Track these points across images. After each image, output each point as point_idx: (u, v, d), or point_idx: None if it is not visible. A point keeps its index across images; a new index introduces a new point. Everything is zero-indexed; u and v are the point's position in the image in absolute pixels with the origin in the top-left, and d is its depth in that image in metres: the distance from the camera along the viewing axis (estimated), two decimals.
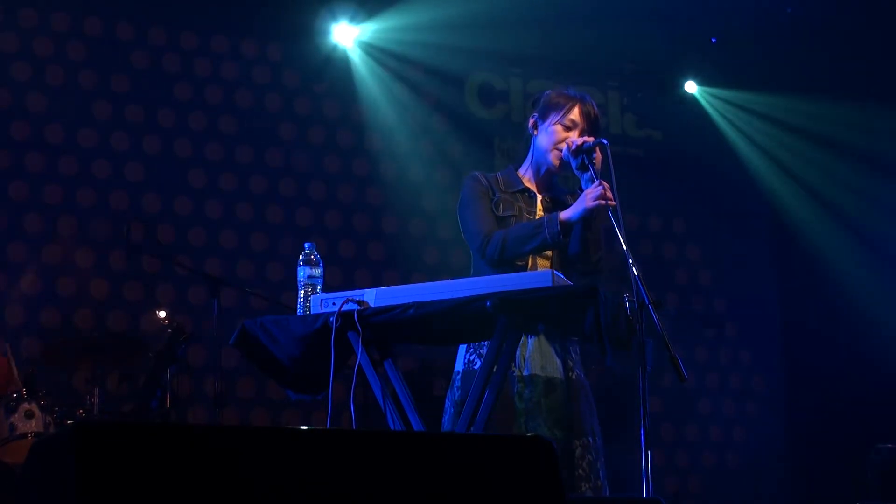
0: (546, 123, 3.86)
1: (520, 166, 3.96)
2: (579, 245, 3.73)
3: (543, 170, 3.90)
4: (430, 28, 7.60)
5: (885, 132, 8.18)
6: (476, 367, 3.68)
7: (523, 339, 3.72)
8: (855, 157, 8.31)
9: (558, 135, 3.83)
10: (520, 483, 2.45)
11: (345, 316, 3.35)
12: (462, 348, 3.82)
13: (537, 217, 3.83)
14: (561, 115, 3.84)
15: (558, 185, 3.98)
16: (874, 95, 8.15)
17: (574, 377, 3.76)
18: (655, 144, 8.79)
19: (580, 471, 3.66)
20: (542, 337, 3.74)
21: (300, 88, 7.79)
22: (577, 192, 3.78)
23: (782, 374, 8.79)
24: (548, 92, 3.96)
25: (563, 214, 3.68)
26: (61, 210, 7.00)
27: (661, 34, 8.11)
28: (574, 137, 3.80)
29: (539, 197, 3.91)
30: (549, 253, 3.78)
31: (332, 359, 3.37)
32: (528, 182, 3.92)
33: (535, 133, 3.91)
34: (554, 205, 3.85)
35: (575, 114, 3.83)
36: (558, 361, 3.74)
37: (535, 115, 3.91)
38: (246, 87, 7.65)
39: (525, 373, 3.71)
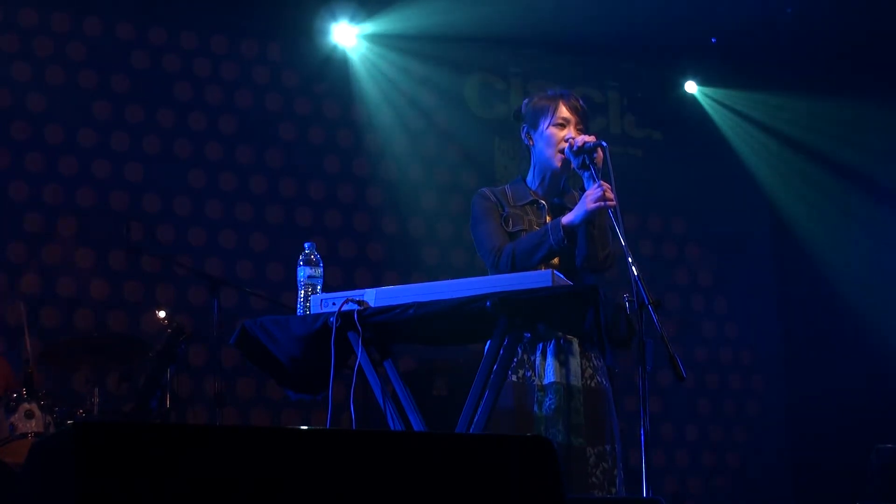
0: (539, 130, 3.89)
1: (526, 176, 3.98)
2: (586, 246, 3.74)
3: (549, 175, 3.91)
4: (430, 28, 7.60)
5: (885, 132, 8.18)
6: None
7: (542, 347, 3.74)
8: (855, 156, 8.31)
9: (555, 136, 3.85)
10: (520, 483, 2.45)
11: (345, 316, 3.36)
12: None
13: None
14: (550, 116, 3.87)
15: (567, 186, 3.99)
16: (874, 95, 8.15)
17: (594, 385, 3.76)
18: (655, 144, 8.79)
19: (594, 479, 3.67)
20: (561, 345, 3.74)
21: (300, 88, 7.79)
22: (578, 191, 3.79)
23: (782, 373, 8.78)
24: (526, 101, 4.02)
25: (566, 219, 3.69)
26: (61, 210, 7.00)
27: (661, 34, 8.11)
28: (570, 133, 3.82)
29: (547, 207, 3.91)
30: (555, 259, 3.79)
31: (332, 359, 3.37)
32: (536, 192, 3.93)
33: (532, 143, 3.93)
34: (562, 212, 3.84)
35: (562, 111, 3.87)
36: (577, 369, 3.74)
37: (525, 126, 3.95)
38: (246, 87, 7.65)
39: (545, 381, 3.72)
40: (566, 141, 3.80)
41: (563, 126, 3.86)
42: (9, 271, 6.81)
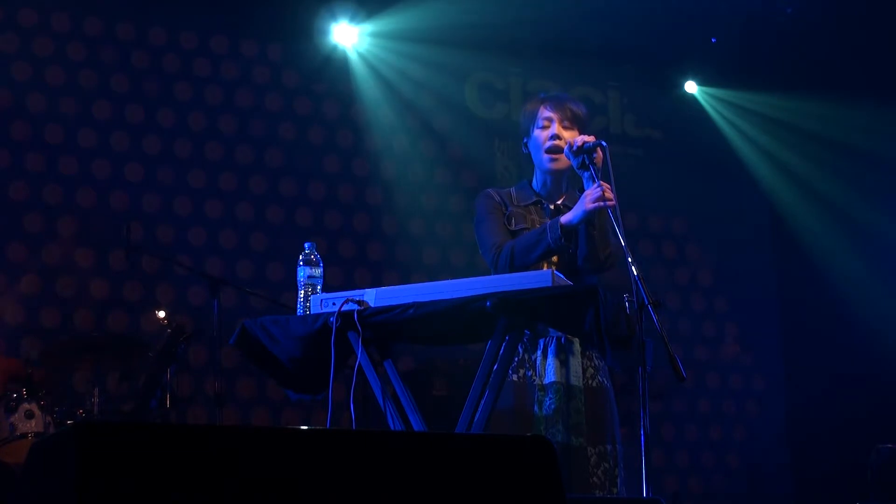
0: (532, 136, 3.97)
1: (532, 181, 4.02)
2: (586, 246, 3.74)
3: (550, 178, 3.95)
4: (430, 28, 7.60)
5: (885, 132, 8.18)
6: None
7: (542, 346, 3.74)
8: (855, 156, 8.31)
9: (541, 137, 3.92)
10: (520, 483, 2.45)
11: (345, 316, 3.35)
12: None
13: None
14: (535, 120, 3.94)
15: (570, 188, 4.00)
16: (874, 95, 8.15)
17: (595, 384, 3.77)
18: (655, 144, 8.79)
19: (595, 479, 3.67)
20: (562, 344, 3.74)
21: (300, 88, 7.79)
22: (577, 191, 3.80)
23: (782, 374, 8.78)
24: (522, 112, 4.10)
25: (564, 218, 3.70)
26: (61, 210, 7.00)
27: (661, 34, 8.11)
28: (553, 130, 3.87)
29: (551, 207, 3.93)
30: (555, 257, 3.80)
31: (332, 359, 3.37)
32: (540, 194, 3.97)
33: (528, 150, 4.00)
34: (565, 212, 3.86)
35: (543, 112, 3.94)
36: (578, 369, 3.75)
37: (524, 137, 4.03)
38: (246, 87, 7.65)
39: (545, 381, 3.72)
40: (550, 139, 3.87)
41: (546, 127, 3.92)
42: (9, 271, 6.80)
